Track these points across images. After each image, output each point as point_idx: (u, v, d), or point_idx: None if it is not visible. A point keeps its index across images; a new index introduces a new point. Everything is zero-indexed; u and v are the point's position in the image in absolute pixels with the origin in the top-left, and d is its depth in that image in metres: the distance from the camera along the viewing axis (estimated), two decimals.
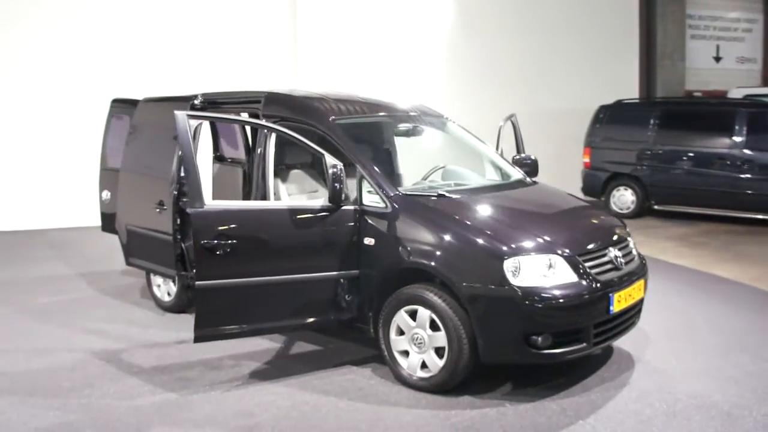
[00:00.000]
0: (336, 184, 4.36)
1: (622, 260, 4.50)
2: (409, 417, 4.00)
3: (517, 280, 4.01)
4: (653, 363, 4.80)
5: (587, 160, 11.23)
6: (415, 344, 4.34)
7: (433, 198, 4.59)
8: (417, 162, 6.13)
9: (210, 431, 3.88)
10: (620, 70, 13.04)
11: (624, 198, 10.94)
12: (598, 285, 4.19)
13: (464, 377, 4.23)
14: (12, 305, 6.34)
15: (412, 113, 5.73)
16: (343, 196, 4.43)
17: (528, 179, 5.51)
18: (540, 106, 12.79)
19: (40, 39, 10.20)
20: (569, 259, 4.16)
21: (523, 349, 4.05)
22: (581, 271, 4.16)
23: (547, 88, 12.78)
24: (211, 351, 5.02)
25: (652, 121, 10.62)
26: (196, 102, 5.77)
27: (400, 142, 6.31)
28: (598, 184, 11.14)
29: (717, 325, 5.62)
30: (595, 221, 4.88)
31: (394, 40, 11.99)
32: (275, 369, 4.80)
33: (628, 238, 4.82)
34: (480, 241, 4.14)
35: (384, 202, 4.51)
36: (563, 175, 12.24)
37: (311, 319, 4.59)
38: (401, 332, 4.42)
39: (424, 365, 4.32)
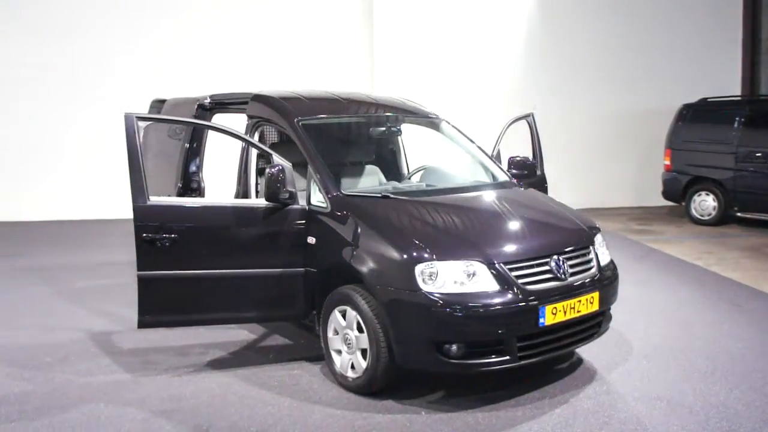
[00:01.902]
0: (276, 184, 4.46)
1: (569, 270, 4.23)
2: (318, 416, 4.04)
3: (430, 286, 3.91)
4: (613, 383, 4.47)
5: (668, 162, 10.47)
6: (346, 344, 4.36)
7: (375, 199, 4.57)
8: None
9: (132, 411, 4.14)
10: (720, 66, 11.99)
11: (705, 204, 10.09)
12: (523, 295, 3.98)
13: (386, 381, 4.19)
14: (54, 287, 7.04)
15: (399, 113, 5.72)
16: (285, 195, 4.51)
17: (512, 181, 5.32)
18: (629, 106, 12.13)
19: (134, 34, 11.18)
20: (492, 267, 3.99)
21: (434, 357, 3.95)
22: (504, 279, 3.98)
23: (638, 85, 12.07)
24: (190, 338, 5.32)
25: (738, 121, 9.69)
26: (205, 103, 6.13)
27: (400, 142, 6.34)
28: (678, 189, 10.36)
29: (718, 347, 5.10)
30: (547, 228, 4.59)
31: (472, 39, 11.85)
32: (235, 359, 5.00)
33: (590, 248, 4.52)
34: (396, 244, 4.08)
35: (325, 201, 4.56)
36: (648, 179, 11.53)
37: (256, 314, 4.74)
38: (337, 332, 4.45)
39: (353, 366, 4.33)
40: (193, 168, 6.24)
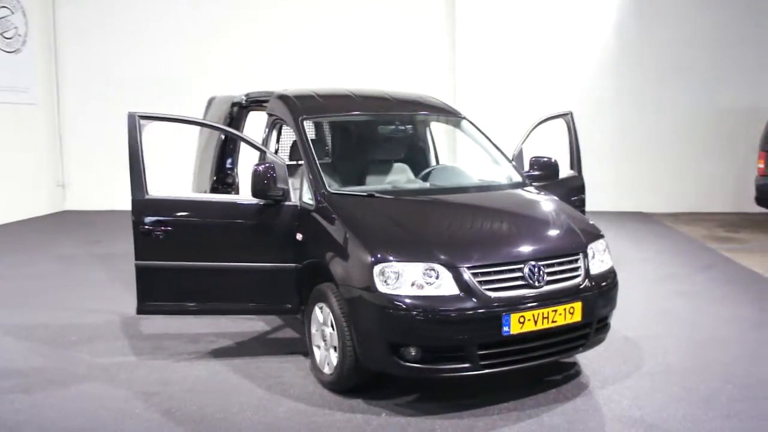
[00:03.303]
0: (263, 182, 4.55)
1: (545, 278, 4.02)
2: (282, 409, 4.10)
3: (387, 287, 3.86)
4: (599, 400, 4.20)
5: (761, 165, 9.54)
6: (323, 341, 4.40)
7: (359, 197, 4.57)
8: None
9: (119, 391, 4.40)
10: None
11: None
12: (484, 302, 3.83)
13: (354, 380, 4.18)
14: (116, 273, 7.56)
15: (417, 111, 5.66)
16: (277, 192, 4.60)
17: (523, 183, 5.13)
18: (727, 104, 11.23)
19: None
20: (453, 271, 3.87)
21: (390, 359, 3.90)
22: (466, 284, 3.85)
23: (734, 83, 11.15)
24: (207, 326, 5.56)
25: None
26: (242, 100, 6.36)
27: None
28: None
29: (738, 370, 4.62)
30: (530, 233, 4.35)
31: (555, 36, 11.45)
32: (237, 348, 5.19)
33: (579, 255, 4.25)
34: (360, 243, 4.06)
35: (312, 199, 4.61)
36: (748, 183, 10.57)
37: (249, 307, 4.88)
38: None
39: (329, 363, 4.36)
40: (228, 163, 6.50)
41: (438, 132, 5.98)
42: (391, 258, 3.91)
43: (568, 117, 6.23)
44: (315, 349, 4.51)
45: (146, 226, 4.62)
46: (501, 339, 3.87)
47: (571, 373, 4.61)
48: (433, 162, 6.25)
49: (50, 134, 12.23)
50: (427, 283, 3.86)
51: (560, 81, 11.42)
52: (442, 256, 3.92)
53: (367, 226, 4.25)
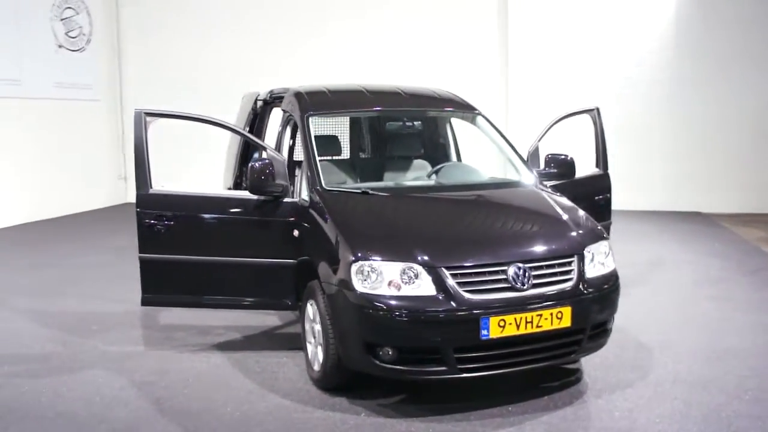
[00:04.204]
0: (260, 178, 4.57)
1: (531, 281, 3.86)
2: (264, 404, 4.13)
3: (364, 286, 3.81)
4: (591, 410, 4.02)
5: None
6: (313, 337, 4.40)
7: (352, 195, 4.53)
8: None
9: (118, 378, 4.54)
10: None
11: None
12: (462, 304, 3.71)
13: (338, 378, 4.16)
14: None
15: (429, 107, 5.56)
16: (276, 189, 4.61)
17: (531, 181, 4.97)
18: None
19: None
20: (432, 272, 3.77)
21: (367, 358, 3.85)
22: (444, 285, 3.75)
23: None
24: (220, 320, 5.66)
25: None
26: (267, 97, 6.43)
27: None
28: None
29: (751, 384, 4.32)
30: (519, 234, 4.20)
31: (611, 29, 11.04)
32: (243, 342, 5.27)
33: (573, 258, 4.06)
34: (342, 241, 4.02)
35: (308, 196, 4.61)
36: None
37: (248, 301, 4.91)
38: None
39: (318, 360, 4.35)
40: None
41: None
42: (370, 257, 3.86)
43: (593, 113, 5.97)
44: (307, 345, 4.52)
45: (149, 220, 4.74)
46: (480, 343, 3.76)
47: (571, 380, 4.42)
48: (453, 159, 6.15)
49: (112, 129, 12.78)
50: (405, 283, 3.79)
51: (614, 78, 11.01)
52: (422, 257, 3.84)
53: (352, 224, 4.21)
